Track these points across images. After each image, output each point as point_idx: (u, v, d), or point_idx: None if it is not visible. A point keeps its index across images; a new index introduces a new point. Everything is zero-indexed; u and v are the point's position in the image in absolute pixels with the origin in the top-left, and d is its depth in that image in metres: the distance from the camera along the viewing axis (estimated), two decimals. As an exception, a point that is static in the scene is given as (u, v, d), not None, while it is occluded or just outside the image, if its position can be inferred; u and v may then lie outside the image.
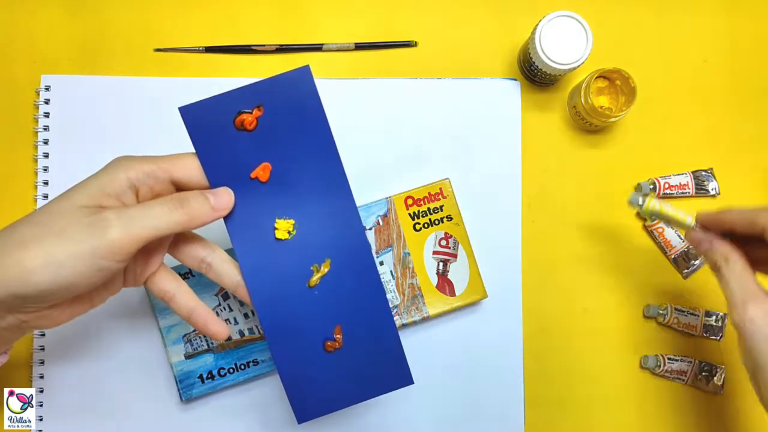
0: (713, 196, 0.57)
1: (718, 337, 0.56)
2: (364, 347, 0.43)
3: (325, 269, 0.42)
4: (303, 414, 0.43)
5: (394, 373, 0.43)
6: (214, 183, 0.40)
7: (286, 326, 0.42)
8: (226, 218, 0.41)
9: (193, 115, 0.40)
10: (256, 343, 0.52)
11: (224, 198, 0.40)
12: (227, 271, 0.41)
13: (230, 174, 0.40)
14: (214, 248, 0.41)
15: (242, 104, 0.40)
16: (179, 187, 0.40)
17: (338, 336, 0.42)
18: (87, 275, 0.35)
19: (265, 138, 0.40)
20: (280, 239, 0.41)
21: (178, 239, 0.42)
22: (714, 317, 0.56)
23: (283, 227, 0.41)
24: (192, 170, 0.39)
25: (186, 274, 0.52)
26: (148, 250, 0.40)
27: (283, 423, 0.54)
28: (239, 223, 0.41)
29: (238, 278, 0.41)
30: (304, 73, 0.40)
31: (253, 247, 0.41)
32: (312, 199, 0.41)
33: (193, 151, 0.40)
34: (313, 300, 0.42)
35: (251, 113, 0.40)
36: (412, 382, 0.43)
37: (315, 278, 0.42)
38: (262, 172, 0.41)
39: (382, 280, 0.52)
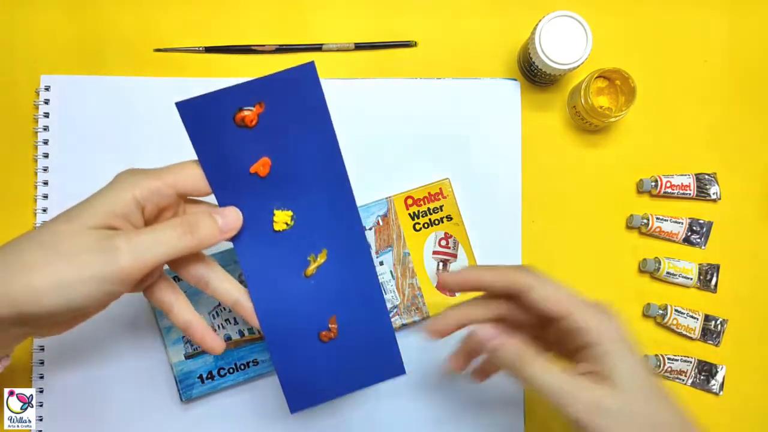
0: (714, 200, 0.57)
1: (716, 343, 0.56)
2: (358, 337, 0.43)
3: (321, 260, 0.42)
4: (296, 404, 0.43)
5: (387, 363, 0.43)
6: (212, 179, 0.39)
7: (282, 315, 0.42)
8: None
9: (191, 111, 0.39)
10: (256, 343, 0.52)
11: (232, 219, 0.40)
12: (226, 290, 0.41)
13: (229, 169, 0.40)
14: (213, 266, 0.41)
15: (243, 100, 0.39)
16: (184, 196, 0.40)
17: (333, 326, 0.42)
18: (96, 299, 0.35)
19: (265, 134, 0.40)
20: (278, 231, 0.41)
21: None
22: (713, 322, 0.56)
23: (282, 219, 0.41)
24: (196, 180, 0.39)
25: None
26: None
27: (283, 423, 0.54)
28: None
29: (236, 297, 0.41)
30: (309, 69, 0.39)
31: (251, 238, 0.41)
32: (311, 192, 0.41)
33: (195, 158, 0.40)
34: (309, 290, 0.42)
35: (252, 110, 0.39)
36: (404, 372, 0.43)
37: (311, 268, 0.42)
38: (262, 167, 0.40)
39: (382, 280, 0.52)
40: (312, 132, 0.40)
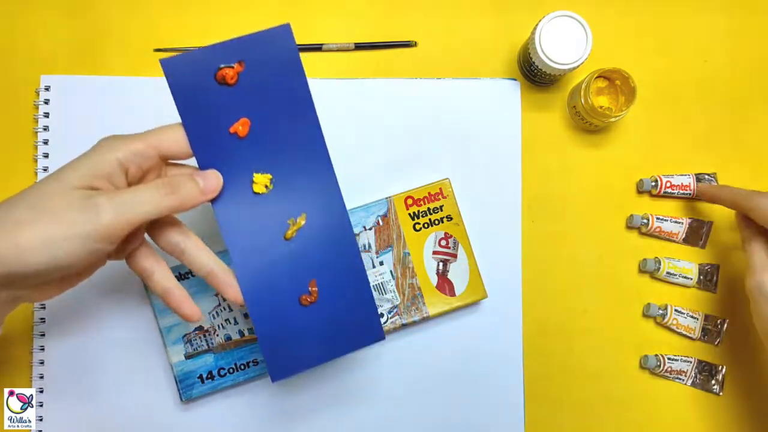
0: (714, 200, 0.57)
1: (716, 343, 0.56)
2: (338, 301, 0.43)
3: (301, 222, 0.43)
4: (277, 372, 0.43)
5: (366, 328, 0.44)
6: (193, 139, 0.40)
7: (263, 279, 0.42)
8: None
9: (175, 69, 0.40)
10: (256, 343, 0.52)
11: (212, 181, 0.41)
12: (201, 259, 0.41)
13: (209, 129, 0.41)
14: (190, 235, 0.42)
15: (224, 59, 0.40)
16: (166, 159, 0.41)
17: (313, 289, 0.43)
18: (80, 256, 0.36)
19: (245, 94, 0.41)
20: (258, 193, 0.42)
21: (158, 220, 0.42)
22: (713, 322, 0.56)
23: (261, 181, 0.42)
24: (179, 143, 0.40)
25: (186, 273, 0.52)
26: None
27: (282, 423, 0.54)
28: None
29: (211, 267, 0.41)
30: (285, 30, 0.41)
31: (231, 200, 0.42)
32: (289, 155, 0.42)
33: (179, 121, 0.40)
34: (289, 253, 0.42)
35: (233, 68, 0.40)
36: (383, 337, 0.44)
37: (291, 231, 0.42)
38: (242, 127, 0.41)
39: (382, 280, 0.52)
40: (289, 94, 0.42)
